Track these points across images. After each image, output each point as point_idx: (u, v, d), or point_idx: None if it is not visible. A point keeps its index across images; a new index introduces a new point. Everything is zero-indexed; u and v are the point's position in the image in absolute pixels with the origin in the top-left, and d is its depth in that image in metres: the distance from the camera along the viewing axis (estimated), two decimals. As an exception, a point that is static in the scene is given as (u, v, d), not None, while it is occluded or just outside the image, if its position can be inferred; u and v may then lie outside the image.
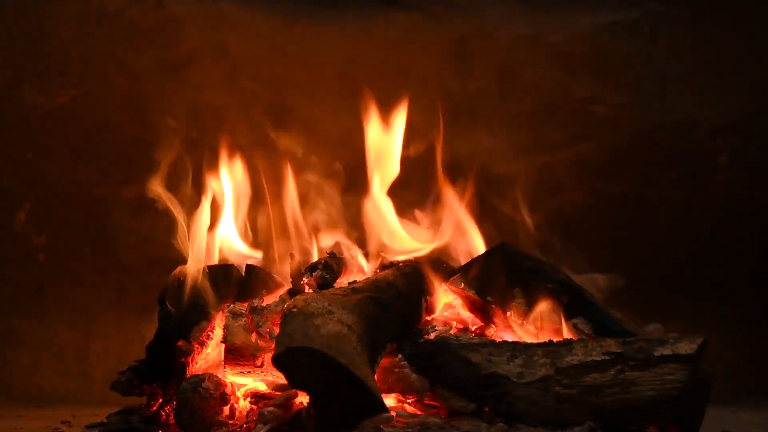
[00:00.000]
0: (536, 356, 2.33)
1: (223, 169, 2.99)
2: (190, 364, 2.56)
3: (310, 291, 2.54)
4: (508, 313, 2.61)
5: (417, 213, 2.94)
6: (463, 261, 2.82)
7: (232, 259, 2.85)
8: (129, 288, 3.94)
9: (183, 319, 2.60)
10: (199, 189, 2.93)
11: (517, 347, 2.37)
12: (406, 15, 4.16)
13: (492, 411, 2.31)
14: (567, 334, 2.53)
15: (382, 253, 2.80)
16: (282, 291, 2.65)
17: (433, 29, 4.16)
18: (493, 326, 2.66)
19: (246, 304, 2.54)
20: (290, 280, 2.63)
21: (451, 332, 2.55)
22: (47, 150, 4.03)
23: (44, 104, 4.04)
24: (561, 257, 2.81)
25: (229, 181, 2.97)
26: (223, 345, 2.49)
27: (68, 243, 4.01)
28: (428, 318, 2.66)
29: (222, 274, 2.72)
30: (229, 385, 2.46)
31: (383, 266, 2.76)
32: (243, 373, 2.48)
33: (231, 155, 3.01)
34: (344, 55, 4.12)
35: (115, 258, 3.98)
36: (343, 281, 2.64)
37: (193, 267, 2.71)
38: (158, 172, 2.89)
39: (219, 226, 2.90)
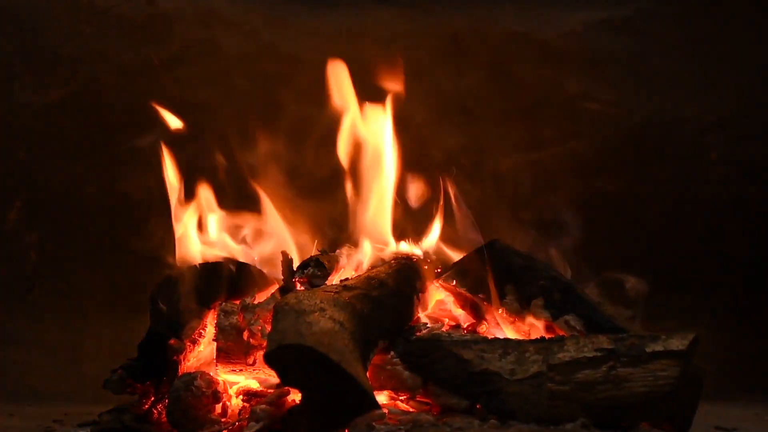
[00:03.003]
0: (528, 353, 2.33)
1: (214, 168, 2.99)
2: (182, 362, 2.56)
3: (302, 288, 2.54)
4: (500, 310, 2.62)
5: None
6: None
7: (224, 257, 2.84)
8: (121, 286, 3.93)
9: (175, 317, 2.60)
10: (188, 186, 2.93)
11: (509, 344, 2.38)
12: (398, 12, 4.16)
13: (484, 408, 2.32)
14: (559, 330, 2.53)
15: (374, 251, 2.80)
16: (273, 289, 2.65)
17: (425, 26, 4.16)
18: (485, 323, 2.66)
19: (237, 302, 2.54)
20: (282, 277, 2.63)
21: (443, 329, 2.55)
22: (38, 148, 4.02)
23: (35, 102, 4.03)
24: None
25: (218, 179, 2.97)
26: (215, 343, 2.48)
27: (60, 241, 4.00)
28: (420, 315, 2.66)
29: (213, 272, 2.72)
30: (221, 383, 2.46)
31: (375, 264, 2.76)
32: (235, 371, 2.48)
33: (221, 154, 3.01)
34: (334, 52, 4.12)
35: (106, 256, 3.97)
36: (334, 279, 2.64)
37: (185, 265, 2.70)
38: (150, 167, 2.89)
39: (210, 223, 2.90)
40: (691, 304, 3.97)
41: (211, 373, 2.47)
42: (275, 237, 2.86)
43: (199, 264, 2.73)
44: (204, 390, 2.40)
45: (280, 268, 2.66)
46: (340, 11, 4.14)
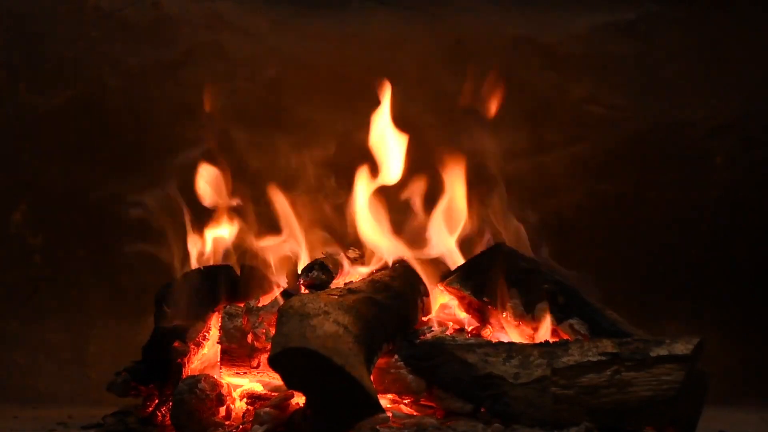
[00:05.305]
0: (532, 357, 2.33)
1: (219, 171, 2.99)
2: (187, 365, 2.56)
3: (306, 292, 2.54)
4: (505, 314, 2.62)
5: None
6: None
7: (227, 260, 2.85)
8: (125, 289, 3.93)
9: (179, 319, 2.60)
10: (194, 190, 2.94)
11: (513, 348, 2.37)
12: (403, 15, 4.16)
13: (488, 412, 2.31)
14: (563, 334, 2.53)
15: (378, 254, 2.80)
16: (278, 292, 2.65)
17: (430, 30, 4.16)
18: (490, 327, 2.66)
19: (242, 305, 2.54)
20: (286, 280, 2.63)
21: (448, 333, 2.55)
22: (43, 150, 4.02)
23: (40, 105, 4.03)
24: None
25: (224, 182, 2.97)
26: (219, 346, 2.48)
27: (64, 244, 4.00)
28: (424, 319, 2.66)
29: (218, 274, 2.72)
30: (225, 385, 2.46)
31: (379, 267, 2.75)
32: (239, 373, 2.48)
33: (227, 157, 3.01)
34: (340, 56, 4.12)
35: (111, 259, 3.97)
36: (339, 282, 2.64)
37: (189, 268, 2.71)
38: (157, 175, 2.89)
39: (214, 226, 2.90)
40: (696, 309, 3.97)
41: (215, 376, 2.47)
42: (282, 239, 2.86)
43: (204, 267, 2.73)
44: (208, 393, 2.40)
45: (285, 271, 2.66)
46: (346, 15, 4.14)
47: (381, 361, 2.38)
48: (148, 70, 4.07)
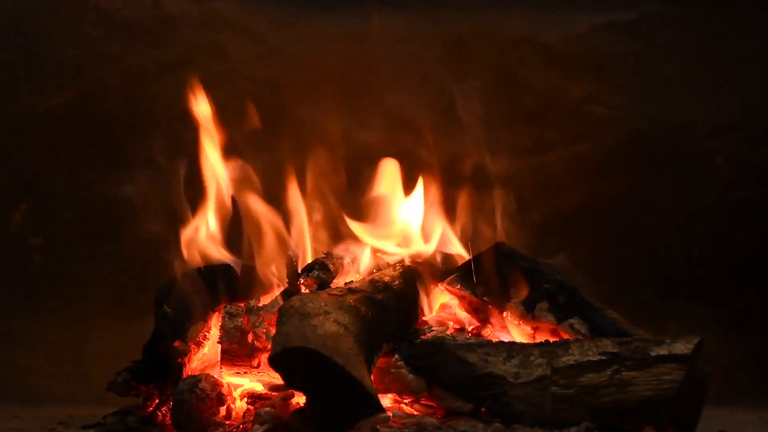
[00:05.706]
0: (533, 356, 2.32)
1: (218, 168, 2.98)
2: (187, 365, 2.56)
3: (307, 291, 2.54)
4: (505, 314, 2.62)
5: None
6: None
7: (228, 260, 2.84)
8: (125, 288, 3.94)
9: (179, 319, 2.60)
10: (194, 189, 2.93)
11: (513, 347, 2.37)
12: (403, 15, 4.16)
13: (489, 411, 2.31)
14: (563, 334, 2.53)
15: (378, 253, 2.80)
16: (278, 291, 2.65)
17: (430, 29, 4.16)
18: (490, 326, 2.66)
19: (242, 305, 2.54)
20: (286, 280, 2.62)
21: (448, 332, 2.55)
22: (43, 150, 4.03)
23: (40, 104, 4.04)
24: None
25: (223, 180, 2.96)
26: (220, 345, 2.48)
27: (64, 244, 4.00)
28: (425, 318, 2.66)
29: (218, 274, 2.72)
30: (225, 385, 2.46)
31: (380, 266, 2.76)
32: (239, 373, 2.48)
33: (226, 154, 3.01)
34: (341, 56, 4.12)
35: (111, 258, 3.98)
36: (339, 281, 2.64)
37: (190, 267, 2.70)
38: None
39: (214, 226, 2.90)
40: (696, 308, 3.97)
41: (216, 376, 2.47)
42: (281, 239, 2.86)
43: (204, 266, 2.73)
44: (208, 392, 2.40)
45: (284, 271, 2.66)
46: (346, 14, 4.14)
47: (381, 361, 2.37)
48: (148, 70, 4.07)
